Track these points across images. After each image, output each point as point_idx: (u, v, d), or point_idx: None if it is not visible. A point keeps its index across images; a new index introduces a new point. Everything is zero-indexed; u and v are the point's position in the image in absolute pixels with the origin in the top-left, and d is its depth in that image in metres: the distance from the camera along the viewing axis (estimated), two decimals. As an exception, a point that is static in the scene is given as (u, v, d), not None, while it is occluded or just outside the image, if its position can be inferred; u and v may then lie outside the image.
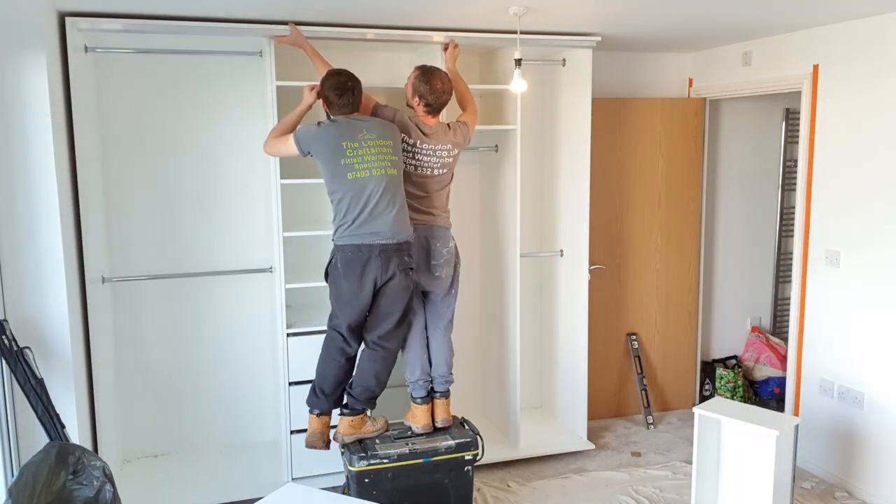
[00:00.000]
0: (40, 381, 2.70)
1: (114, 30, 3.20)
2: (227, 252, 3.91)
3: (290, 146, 3.16)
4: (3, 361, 2.70)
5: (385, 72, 4.03)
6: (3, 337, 2.65)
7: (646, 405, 4.59)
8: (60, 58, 3.11)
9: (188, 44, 3.53)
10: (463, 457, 3.28)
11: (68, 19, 3.13)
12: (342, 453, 3.28)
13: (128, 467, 3.80)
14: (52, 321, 2.95)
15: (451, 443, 3.27)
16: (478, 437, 3.35)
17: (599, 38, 3.85)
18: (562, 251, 4.24)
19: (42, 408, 2.68)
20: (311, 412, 3.26)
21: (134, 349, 3.84)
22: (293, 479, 3.57)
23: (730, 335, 5.07)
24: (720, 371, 4.82)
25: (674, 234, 4.67)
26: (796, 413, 3.98)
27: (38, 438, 2.75)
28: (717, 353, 5.04)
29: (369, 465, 3.13)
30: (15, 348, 2.68)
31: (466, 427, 3.41)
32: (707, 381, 4.89)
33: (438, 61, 3.59)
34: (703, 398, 4.84)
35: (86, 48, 3.34)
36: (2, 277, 2.86)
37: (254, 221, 3.92)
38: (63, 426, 2.74)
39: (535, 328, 4.53)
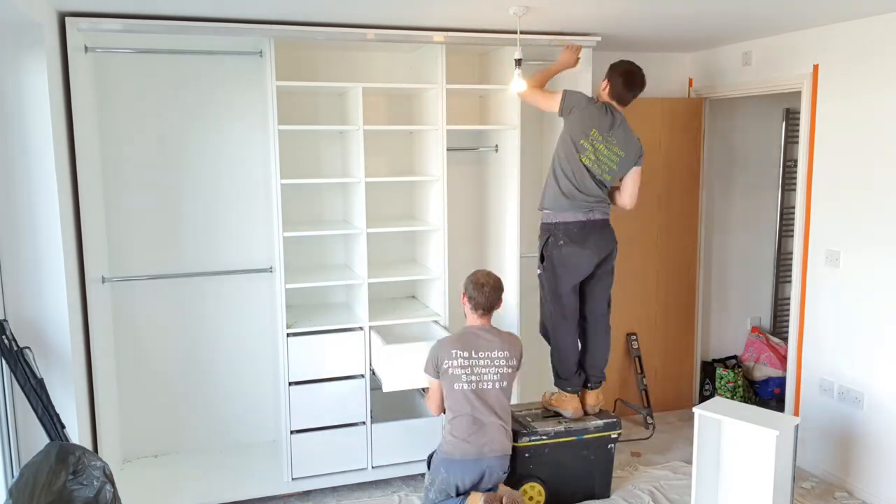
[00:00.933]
0: (40, 381, 2.70)
1: (114, 30, 3.20)
2: (227, 252, 3.91)
3: (554, 101, 3.40)
4: (3, 361, 2.70)
5: (385, 72, 4.03)
6: (3, 337, 2.65)
7: (646, 405, 4.59)
8: (60, 58, 3.10)
9: (188, 44, 3.52)
10: (609, 435, 3.58)
11: (68, 19, 3.12)
12: None
13: (128, 467, 3.80)
14: (52, 321, 2.94)
15: (599, 423, 3.57)
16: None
17: (599, 38, 3.85)
18: (562, 251, 4.24)
19: (42, 408, 2.68)
20: None
21: (134, 349, 3.84)
22: (293, 478, 3.57)
23: (730, 335, 5.07)
24: (720, 371, 4.81)
25: (674, 234, 4.67)
26: (796, 413, 3.98)
27: (38, 438, 2.75)
28: (717, 353, 5.04)
29: (531, 441, 3.39)
30: (15, 348, 2.68)
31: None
32: (707, 381, 4.89)
33: (438, 61, 3.60)
34: (703, 398, 4.84)
35: (86, 48, 3.34)
36: (2, 277, 2.86)
37: (254, 221, 3.92)
38: (63, 426, 2.74)
39: (535, 328, 4.51)
